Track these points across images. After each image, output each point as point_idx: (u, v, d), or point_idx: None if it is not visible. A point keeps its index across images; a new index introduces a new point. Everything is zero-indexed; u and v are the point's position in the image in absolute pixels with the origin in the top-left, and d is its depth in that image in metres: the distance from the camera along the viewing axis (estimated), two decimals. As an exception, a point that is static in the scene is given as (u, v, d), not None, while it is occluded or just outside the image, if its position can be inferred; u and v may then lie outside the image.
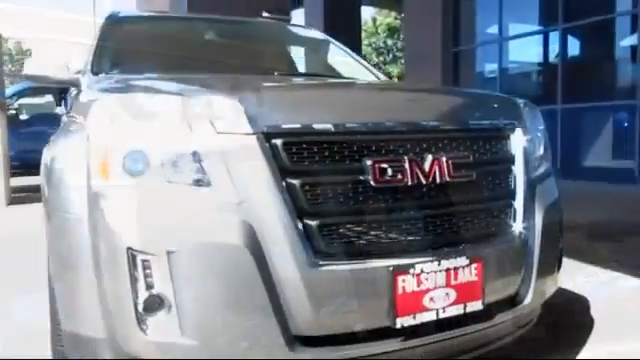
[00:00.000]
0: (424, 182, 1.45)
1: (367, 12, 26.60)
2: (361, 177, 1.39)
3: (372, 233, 1.39)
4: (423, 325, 1.43)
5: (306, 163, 1.36)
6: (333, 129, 1.39)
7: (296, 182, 1.33)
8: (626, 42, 7.92)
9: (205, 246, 1.30)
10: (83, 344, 1.45)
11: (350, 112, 1.46)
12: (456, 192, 1.50)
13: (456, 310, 1.47)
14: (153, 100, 1.41)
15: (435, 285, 1.43)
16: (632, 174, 7.08)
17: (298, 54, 2.99)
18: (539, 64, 9.12)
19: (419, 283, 1.41)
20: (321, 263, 1.33)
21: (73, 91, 2.68)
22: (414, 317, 1.41)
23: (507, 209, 1.62)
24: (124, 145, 1.35)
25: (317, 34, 3.11)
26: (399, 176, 1.41)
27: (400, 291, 1.38)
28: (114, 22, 2.73)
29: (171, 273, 1.29)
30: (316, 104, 1.50)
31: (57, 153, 1.58)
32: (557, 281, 1.85)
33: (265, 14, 9.28)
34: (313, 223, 1.33)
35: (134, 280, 1.31)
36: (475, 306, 1.50)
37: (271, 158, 1.33)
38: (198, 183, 1.33)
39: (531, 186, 1.68)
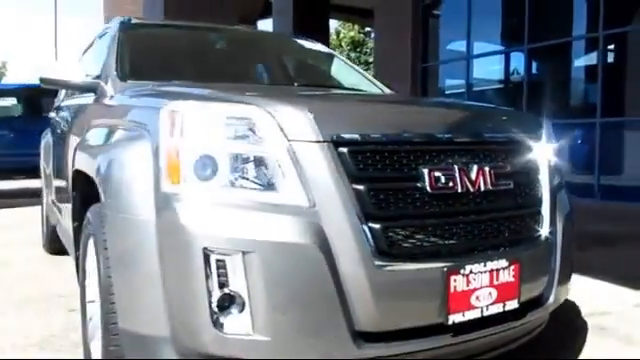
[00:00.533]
0: (471, 190, 1.57)
1: (331, 25, 26.92)
2: (418, 184, 1.50)
3: (428, 236, 1.50)
4: (469, 322, 1.55)
5: (370, 170, 1.46)
6: (393, 139, 1.50)
7: (361, 187, 1.43)
8: (583, 62, 8.41)
9: (278, 246, 1.37)
10: (144, 343, 1.49)
11: (405, 124, 1.57)
12: (497, 199, 1.64)
13: (497, 308, 1.59)
14: (224, 108, 1.48)
15: (481, 285, 1.55)
16: (592, 189, 7.49)
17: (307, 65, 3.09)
18: (505, 82, 9.54)
19: (468, 283, 1.53)
20: (384, 263, 1.42)
21: (81, 96, 2.69)
22: (463, 314, 1.53)
23: (537, 215, 1.76)
24: (197, 150, 1.42)
25: (323, 47, 3.22)
26: (450, 184, 1.54)
27: (452, 290, 1.50)
28: (129, 29, 2.76)
29: (245, 272, 1.36)
30: (375, 116, 1.61)
31: (116, 157, 1.61)
32: (569, 286, 2.01)
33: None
34: (377, 226, 1.43)
35: (209, 279, 1.36)
36: (512, 305, 1.63)
37: (339, 165, 1.42)
38: (270, 187, 1.41)
39: (553, 195, 1.84)
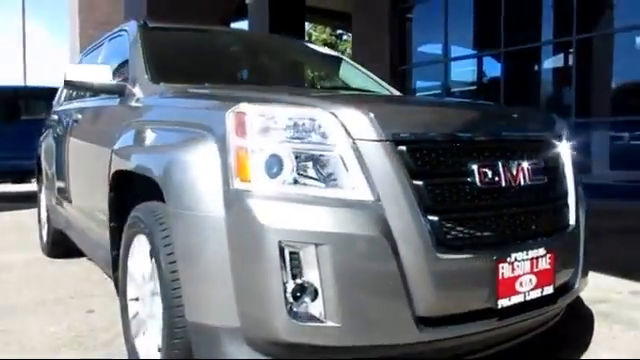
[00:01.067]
0: (512, 184, 1.70)
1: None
2: (469, 179, 1.62)
3: (479, 227, 1.62)
4: (514, 306, 1.68)
5: (427, 167, 1.57)
6: (446, 138, 1.62)
7: (420, 183, 1.54)
8: (557, 65, 8.78)
9: (348, 238, 1.47)
10: (214, 334, 1.56)
11: (454, 124, 1.69)
12: (533, 193, 1.78)
13: (536, 293, 1.73)
14: (290, 110, 1.56)
15: (523, 272, 1.68)
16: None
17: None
18: (482, 84, 9.83)
19: (513, 270, 1.65)
20: (442, 253, 1.53)
21: (98, 98, 2.72)
22: (509, 299, 1.65)
23: (565, 208, 1.91)
24: (266, 150, 1.50)
25: (332, 51, 3.32)
26: (496, 179, 1.66)
27: (500, 277, 1.62)
28: (149, 31, 2.79)
29: (318, 263, 1.45)
30: (428, 116, 1.72)
31: (179, 157, 1.66)
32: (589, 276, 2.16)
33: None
34: (435, 218, 1.54)
35: (283, 270, 1.45)
36: (548, 290, 1.77)
37: (399, 162, 1.52)
38: (337, 184, 1.50)
39: (576, 189, 1.99)
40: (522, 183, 1.73)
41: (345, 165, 1.51)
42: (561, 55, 8.75)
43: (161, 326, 1.78)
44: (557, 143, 1.95)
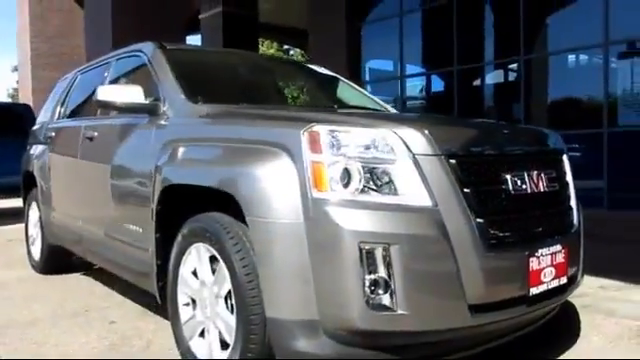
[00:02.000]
0: (535, 190, 2.02)
1: (250, 42, 27.22)
2: (504, 187, 1.92)
3: (513, 227, 1.92)
4: (539, 294, 1.98)
5: (472, 177, 1.85)
6: (486, 153, 1.92)
7: (468, 190, 1.81)
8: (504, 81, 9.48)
9: (414, 238, 1.72)
10: (294, 327, 1.76)
11: (489, 141, 2.00)
12: (549, 197, 2.10)
13: (555, 283, 2.04)
14: (359, 130, 1.80)
15: (546, 265, 1.99)
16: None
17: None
18: (436, 100, 10.37)
19: (539, 263, 1.96)
20: (487, 250, 1.81)
21: (120, 116, 2.84)
22: (537, 288, 1.95)
23: (570, 211, 2.25)
24: (339, 164, 1.73)
25: (333, 73, 3.58)
26: (524, 186, 1.97)
27: (531, 269, 1.92)
28: (170, 52, 2.94)
29: (390, 260, 1.69)
30: (471, 135, 2.01)
31: (254, 171, 1.85)
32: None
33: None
34: (481, 220, 1.81)
35: (362, 267, 1.68)
36: (563, 281, 2.08)
37: (451, 173, 1.80)
38: (402, 193, 1.75)
39: (576, 194, 2.34)
40: (541, 190, 2.05)
41: (407, 176, 1.76)
42: (507, 73, 9.42)
43: (229, 325, 1.96)
44: (561, 156, 2.30)
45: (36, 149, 4.23)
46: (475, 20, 9.33)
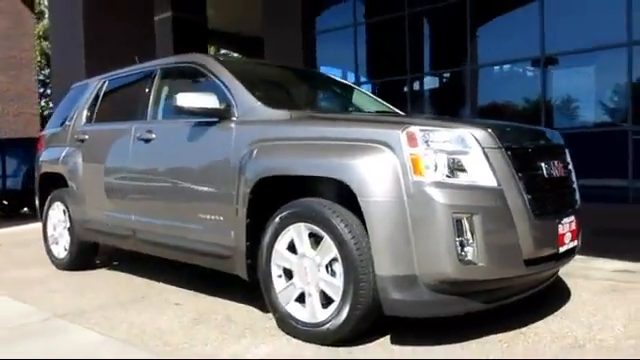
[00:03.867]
0: (557, 175, 2.68)
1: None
2: (539, 172, 2.56)
3: (548, 202, 2.56)
4: (563, 253, 2.64)
5: (522, 164, 2.47)
6: (529, 146, 2.56)
7: (521, 174, 2.43)
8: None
9: (489, 209, 2.31)
10: (398, 280, 2.29)
11: (530, 138, 2.66)
12: (565, 180, 2.78)
13: (570, 246, 2.70)
14: (445, 130, 2.37)
15: (567, 230, 2.65)
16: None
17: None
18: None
19: (563, 229, 2.62)
20: (534, 218, 2.43)
21: (187, 119, 3.23)
22: (562, 247, 2.61)
23: (575, 191, 2.93)
24: (431, 154, 2.30)
25: (349, 82, 4.14)
26: (552, 172, 2.63)
27: (560, 232, 2.57)
28: (227, 63, 3.38)
29: (473, 225, 2.27)
30: (517, 134, 2.65)
31: (364, 162, 2.35)
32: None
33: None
34: (530, 196, 2.44)
35: (454, 231, 2.24)
36: (574, 244, 2.76)
37: (509, 161, 2.41)
38: (477, 176, 2.34)
39: (576, 177, 3.03)
40: (560, 175, 2.72)
41: (479, 164, 2.35)
42: (453, 81, 10.37)
43: (334, 286, 2.45)
44: (565, 149, 2.99)
45: (61, 151, 4.43)
46: (425, 32, 10.21)
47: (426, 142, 2.33)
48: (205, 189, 3.12)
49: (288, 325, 2.65)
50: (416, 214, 2.27)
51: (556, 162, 2.73)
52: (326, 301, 2.53)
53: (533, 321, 2.75)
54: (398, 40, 10.09)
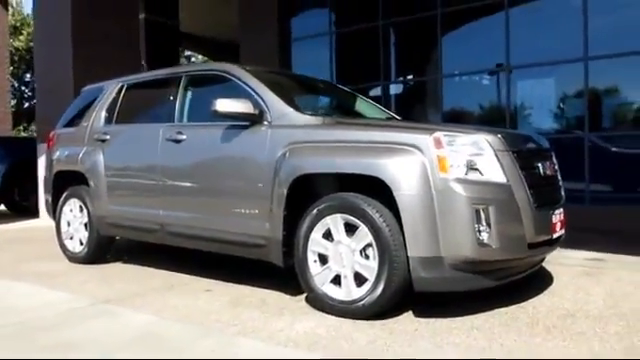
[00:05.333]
0: (549, 173, 3.20)
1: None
2: (536, 171, 3.06)
3: (543, 196, 3.06)
4: (554, 239, 3.15)
5: (525, 164, 2.96)
6: (530, 149, 3.06)
7: (524, 173, 2.92)
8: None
9: (501, 201, 2.79)
10: (428, 261, 2.73)
11: (530, 143, 3.15)
12: (554, 178, 3.30)
13: (559, 233, 3.22)
14: (465, 135, 2.83)
15: (557, 220, 3.16)
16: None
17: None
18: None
19: (555, 218, 3.13)
20: (535, 209, 2.93)
21: (215, 124, 3.59)
22: (554, 234, 3.12)
23: (561, 187, 3.46)
24: (454, 155, 2.75)
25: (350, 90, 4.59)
26: (545, 171, 3.14)
27: (553, 221, 3.08)
28: (256, 72, 3.75)
29: (489, 214, 2.74)
30: (521, 140, 3.13)
31: (397, 161, 2.77)
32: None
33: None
34: (531, 191, 2.92)
35: (473, 219, 2.70)
36: (562, 232, 3.27)
37: (515, 162, 2.89)
38: (490, 174, 2.81)
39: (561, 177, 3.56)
40: (551, 173, 3.24)
41: (492, 164, 2.82)
42: (428, 88, 10.98)
43: (369, 268, 2.87)
44: (552, 152, 3.51)
45: (78, 150, 4.65)
46: (398, 41, 10.77)
47: (449, 145, 2.78)
48: (240, 185, 3.47)
49: (324, 304, 3.04)
50: (442, 205, 2.72)
51: (547, 163, 3.25)
52: (359, 282, 2.95)
53: (528, 298, 3.26)
54: (372, 48, 10.62)
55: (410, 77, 10.77)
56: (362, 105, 4.49)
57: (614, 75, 7.99)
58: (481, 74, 9.68)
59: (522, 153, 3.01)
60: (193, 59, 28.43)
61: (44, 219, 8.61)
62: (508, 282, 3.04)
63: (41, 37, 8.89)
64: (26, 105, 28.45)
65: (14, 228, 7.65)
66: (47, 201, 5.14)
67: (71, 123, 5.04)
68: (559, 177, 3.48)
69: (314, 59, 11.82)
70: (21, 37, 27.74)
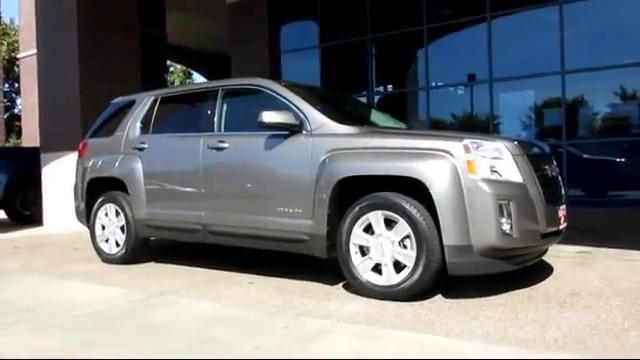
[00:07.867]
0: (554, 174, 3.74)
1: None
2: (544, 172, 3.60)
3: (551, 194, 3.59)
4: (560, 230, 3.68)
5: (537, 166, 3.49)
6: (540, 153, 3.59)
7: (537, 173, 3.45)
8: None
9: (519, 197, 3.30)
10: (459, 248, 3.22)
11: (538, 148, 3.68)
12: (557, 179, 3.84)
13: (563, 225, 3.76)
14: (488, 142, 3.34)
15: (562, 214, 3.70)
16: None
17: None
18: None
19: (560, 213, 3.67)
20: (546, 204, 3.45)
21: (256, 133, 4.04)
22: (559, 227, 3.66)
23: (562, 187, 4.01)
24: (480, 159, 3.26)
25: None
26: (552, 173, 3.68)
27: (559, 215, 3.62)
28: (289, 86, 4.21)
29: (510, 208, 3.25)
30: (531, 146, 3.65)
31: (433, 165, 3.26)
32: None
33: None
34: (543, 189, 3.46)
35: (498, 212, 3.21)
36: (564, 225, 3.82)
37: (530, 164, 3.42)
38: (509, 174, 3.32)
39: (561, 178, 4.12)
40: (554, 175, 3.78)
41: (510, 166, 3.34)
42: (399, 100, 11.57)
43: (407, 256, 3.34)
44: (553, 156, 4.07)
45: (114, 158, 5.00)
46: (386, 54, 11.35)
47: (476, 150, 3.29)
48: (283, 187, 3.91)
49: (367, 289, 3.50)
50: (471, 201, 3.22)
51: (552, 165, 3.80)
52: (397, 269, 3.41)
53: (537, 282, 3.78)
54: (361, 61, 11.18)
55: (399, 88, 11.37)
56: (380, 116, 4.99)
57: (588, 87, 8.75)
58: (464, 86, 10.33)
59: (534, 157, 3.54)
60: (172, 69, 28.63)
61: (48, 227, 8.83)
62: (516, 270, 3.56)
63: (45, 52, 9.12)
64: (6, 115, 28.07)
65: (25, 235, 7.85)
66: (78, 207, 5.44)
67: (101, 133, 5.37)
68: (560, 178, 4.04)
69: (303, 70, 12.31)
70: (2, 47, 27.53)
